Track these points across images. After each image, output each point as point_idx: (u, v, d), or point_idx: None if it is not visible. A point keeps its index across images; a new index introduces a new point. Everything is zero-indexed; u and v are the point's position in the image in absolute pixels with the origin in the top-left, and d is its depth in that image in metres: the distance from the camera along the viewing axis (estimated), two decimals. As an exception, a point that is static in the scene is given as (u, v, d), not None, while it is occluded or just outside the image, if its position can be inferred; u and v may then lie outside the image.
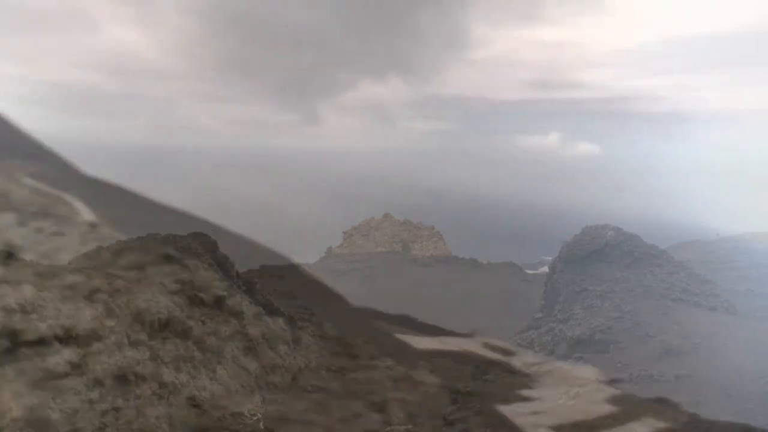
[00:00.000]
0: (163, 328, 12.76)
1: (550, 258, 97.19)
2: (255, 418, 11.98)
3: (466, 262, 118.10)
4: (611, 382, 19.26)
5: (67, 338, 10.52)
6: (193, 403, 11.80)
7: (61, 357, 10.05)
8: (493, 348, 22.26)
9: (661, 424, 14.49)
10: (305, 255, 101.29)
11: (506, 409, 14.55)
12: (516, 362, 20.38)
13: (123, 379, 10.93)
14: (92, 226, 33.70)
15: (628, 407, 15.42)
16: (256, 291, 20.51)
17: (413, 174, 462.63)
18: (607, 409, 15.17)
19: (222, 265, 19.82)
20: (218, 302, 15.31)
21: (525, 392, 16.76)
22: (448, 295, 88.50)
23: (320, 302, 26.29)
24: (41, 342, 10.03)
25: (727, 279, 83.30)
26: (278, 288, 22.40)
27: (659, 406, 16.59)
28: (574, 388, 17.45)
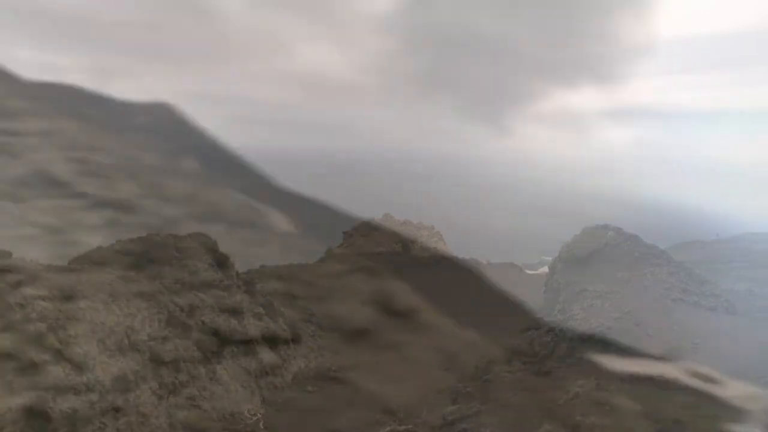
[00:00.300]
0: (359, 335, 13.30)
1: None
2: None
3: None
4: None
5: (270, 339, 11.07)
6: (385, 409, 12.09)
7: (264, 357, 10.65)
8: (697, 375, 20.57)
9: None
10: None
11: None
12: (723, 392, 18.78)
13: (320, 379, 11.51)
14: (290, 236, 35.02)
15: None
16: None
17: (615, 185, 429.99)
18: None
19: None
20: (411, 313, 15.86)
21: (735, 429, 14.87)
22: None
23: (505, 314, 25.13)
24: (248, 342, 10.59)
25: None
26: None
27: None
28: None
